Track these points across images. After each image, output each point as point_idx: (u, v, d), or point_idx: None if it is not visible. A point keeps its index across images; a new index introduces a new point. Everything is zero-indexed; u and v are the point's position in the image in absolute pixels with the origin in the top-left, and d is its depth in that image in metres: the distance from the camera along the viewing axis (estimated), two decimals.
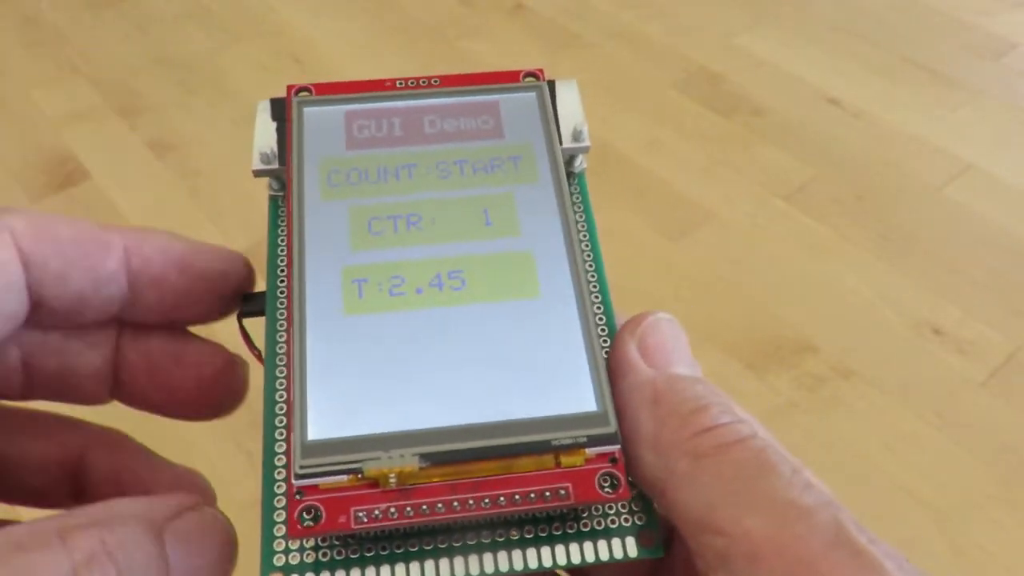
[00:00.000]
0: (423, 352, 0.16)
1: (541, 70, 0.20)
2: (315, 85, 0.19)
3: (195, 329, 0.18)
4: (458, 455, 0.15)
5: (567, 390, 0.15)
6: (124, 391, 0.18)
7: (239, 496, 0.36)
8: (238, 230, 0.50)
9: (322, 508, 0.14)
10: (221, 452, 0.37)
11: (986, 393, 0.42)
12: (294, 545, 0.15)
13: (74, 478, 0.18)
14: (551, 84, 0.20)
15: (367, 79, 0.19)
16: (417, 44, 0.66)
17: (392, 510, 0.14)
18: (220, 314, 0.18)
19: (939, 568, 0.36)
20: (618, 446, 0.15)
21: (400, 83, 0.19)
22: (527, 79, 0.20)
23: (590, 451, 0.15)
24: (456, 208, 0.17)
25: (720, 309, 0.46)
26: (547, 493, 0.15)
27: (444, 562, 0.15)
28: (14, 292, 0.15)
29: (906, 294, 0.47)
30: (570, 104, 0.19)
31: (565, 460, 0.15)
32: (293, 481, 0.14)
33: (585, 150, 0.19)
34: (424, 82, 0.19)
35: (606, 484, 0.15)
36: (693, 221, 0.51)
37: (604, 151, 0.55)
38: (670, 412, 0.14)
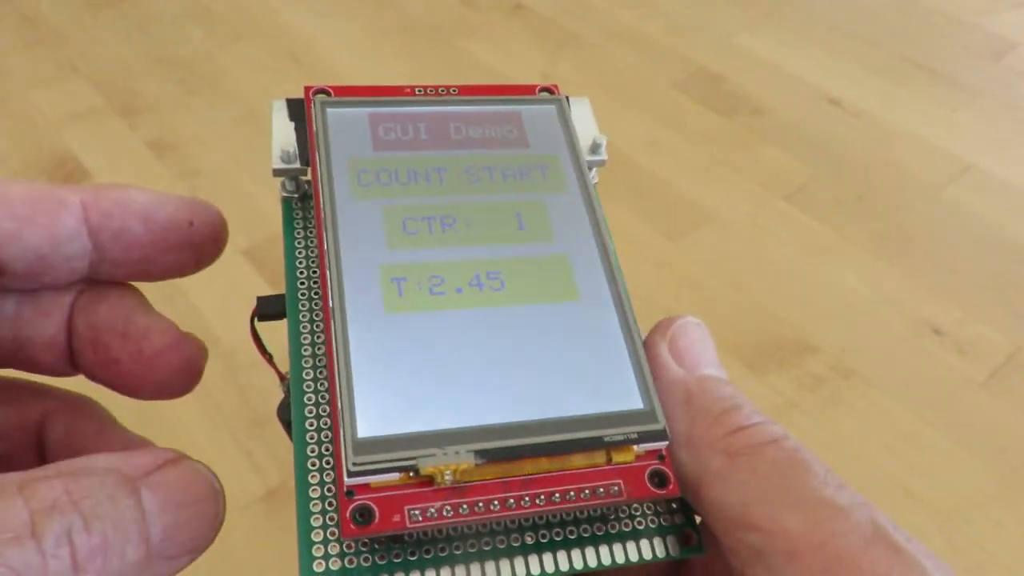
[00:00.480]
0: (469, 351, 0.16)
1: (556, 86, 0.20)
2: (333, 87, 0.19)
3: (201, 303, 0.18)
4: (514, 452, 0.15)
5: (614, 389, 0.16)
6: (78, 363, 0.18)
7: (240, 496, 0.36)
8: (238, 230, 0.49)
9: (375, 507, 0.14)
10: (220, 451, 0.37)
11: (986, 393, 0.42)
12: (333, 550, 0.15)
13: (37, 444, 0.18)
14: (564, 99, 0.20)
15: (383, 84, 0.19)
16: (417, 44, 0.66)
17: (447, 509, 0.14)
18: (195, 265, 0.17)
19: None
20: (667, 442, 0.15)
21: (419, 90, 0.19)
22: (542, 94, 0.20)
23: (639, 448, 0.15)
24: (489, 212, 0.18)
25: (720, 309, 0.46)
26: (600, 490, 0.15)
27: (491, 566, 0.15)
28: None
29: (906, 294, 0.47)
30: (585, 120, 0.20)
31: (616, 457, 0.15)
32: (345, 479, 0.14)
33: (602, 163, 0.19)
34: (443, 90, 0.19)
35: (656, 481, 0.15)
36: (693, 221, 0.51)
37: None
38: (702, 411, 0.15)
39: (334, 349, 0.15)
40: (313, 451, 0.16)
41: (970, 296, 0.46)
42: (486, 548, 0.15)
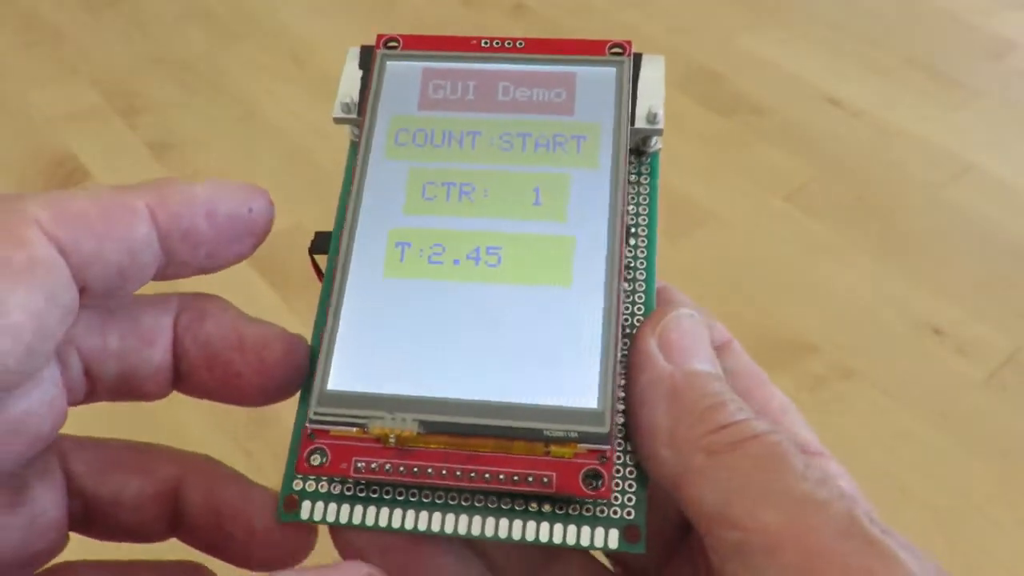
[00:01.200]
0: (446, 324, 0.16)
1: (629, 42, 0.19)
2: (404, 36, 0.20)
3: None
4: (454, 428, 0.16)
5: (574, 383, 0.16)
6: (185, 383, 0.18)
7: None
8: None
9: (328, 453, 0.16)
10: (220, 450, 0.37)
11: (986, 393, 0.42)
12: (312, 475, 0.17)
13: (171, 510, 0.18)
14: (637, 58, 0.19)
15: (454, 35, 0.19)
16: None
17: (388, 466, 0.16)
18: (251, 251, 0.17)
19: None
20: (609, 447, 0.15)
21: (485, 43, 0.19)
22: (613, 50, 0.19)
23: (581, 446, 0.15)
24: (510, 183, 0.17)
25: (720, 309, 0.46)
26: (530, 478, 0.15)
27: (437, 516, 0.16)
28: (64, 285, 0.14)
29: (906, 294, 0.47)
30: (652, 83, 0.19)
31: (555, 450, 0.15)
32: (307, 424, 0.16)
33: (658, 132, 0.19)
34: (509, 43, 0.19)
35: (590, 480, 0.15)
36: (693, 221, 0.51)
37: None
38: (687, 408, 0.14)
39: (329, 305, 0.17)
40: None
41: (970, 296, 0.46)
42: (438, 502, 0.16)
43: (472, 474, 0.15)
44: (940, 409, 0.41)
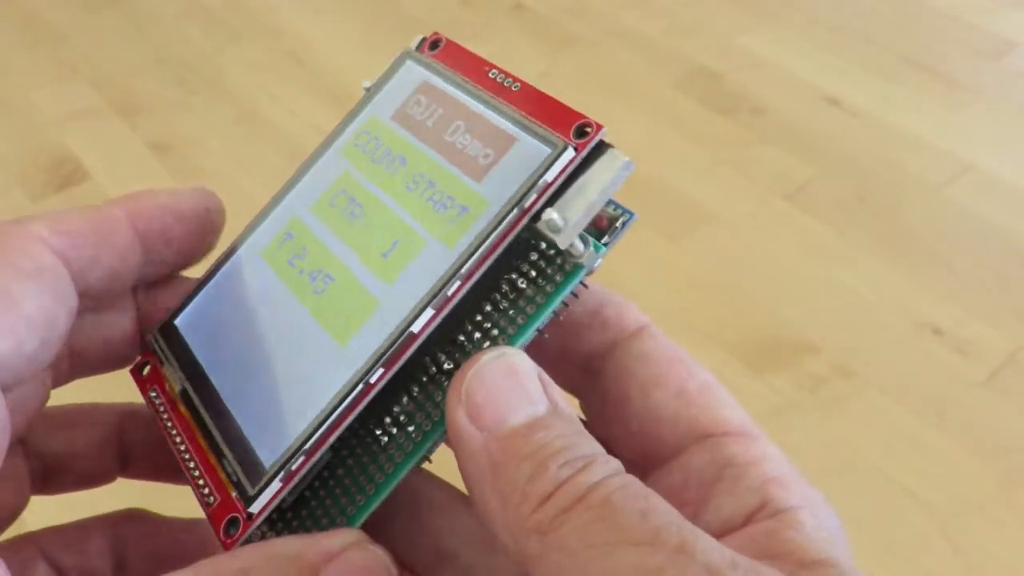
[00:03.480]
0: (257, 319, 0.17)
1: (600, 126, 0.16)
2: (448, 41, 0.20)
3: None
4: (193, 410, 0.17)
5: (276, 434, 0.16)
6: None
7: None
8: (238, 230, 0.49)
9: (149, 370, 0.19)
10: None
11: (986, 393, 0.42)
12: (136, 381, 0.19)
13: (118, 451, 0.20)
14: (599, 148, 0.16)
15: (481, 57, 0.19)
16: None
17: (163, 408, 0.18)
18: (214, 245, 0.20)
19: (939, 568, 0.36)
20: (252, 509, 0.15)
21: (492, 73, 0.19)
22: (579, 128, 0.16)
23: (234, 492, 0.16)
24: (384, 223, 0.17)
25: (720, 309, 0.46)
26: (205, 490, 0.16)
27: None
28: (67, 289, 0.16)
29: (906, 294, 0.47)
30: (593, 184, 0.16)
31: (225, 480, 0.16)
32: (148, 336, 0.19)
33: (556, 243, 0.15)
34: (507, 83, 0.18)
35: (229, 527, 0.15)
36: (693, 221, 0.51)
37: None
38: (509, 484, 0.13)
39: (219, 259, 0.19)
40: None
41: (970, 296, 0.46)
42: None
43: (186, 456, 0.17)
44: (940, 409, 0.41)
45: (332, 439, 0.15)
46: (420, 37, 0.20)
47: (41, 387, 0.17)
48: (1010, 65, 0.63)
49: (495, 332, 0.15)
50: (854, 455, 0.39)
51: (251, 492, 0.15)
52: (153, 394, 0.18)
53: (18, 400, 0.16)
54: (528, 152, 0.16)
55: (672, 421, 0.16)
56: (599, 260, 0.15)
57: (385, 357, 0.15)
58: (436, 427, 0.15)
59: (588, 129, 0.16)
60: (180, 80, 0.62)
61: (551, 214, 0.15)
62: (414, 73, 0.19)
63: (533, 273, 0.16)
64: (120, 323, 0.19)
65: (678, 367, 0.16)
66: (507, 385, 0.14)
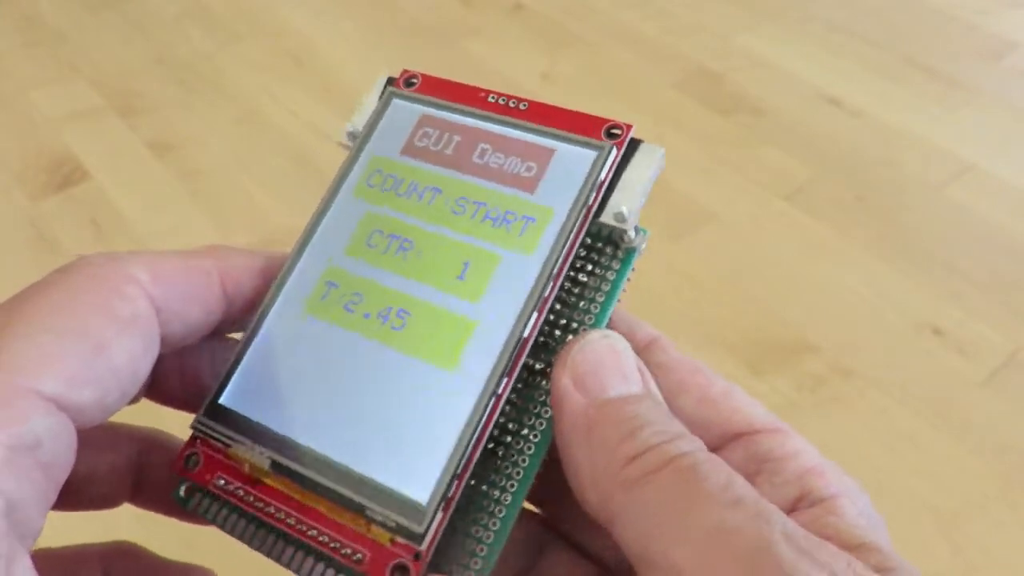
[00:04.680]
0: (333, 374, 0.17)
1: (630, 125, 0.18)
2: (424, 76, 0.20)
3: None
4: (295, 476, 0.16)
5: (415, 471, 0.15)
6: (156, 391, 0.19)
7: None
8: (238, 230, 0.50)
9: (201, 460, 0.17)
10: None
11: (986, 393, 0.42)
12: (183, 476, 0.17)
13: (135, 478, 0.19)
14: (633, 144, 0.18)
15: (468, 84, 0.19)
16: (417, 44, 0.66)
17: (241, 492, 0.16)
18: None
19: (939, 568, 0.36)
20: (422, 547, 0.15)
21: (492, 97, 0.19)
22: (611, 131, 0.18)
23: (396, 537, 0.15)
24: (444, 250, 0.17)
25: (720, 309, 0.46)
26: (346, 550, 0.15)
27: (289, 551, 0.16)
28: (155, 340, 0.16)
29: (906, 294, 0.47)
30: (638, 175, 0.17)
31: (374, 530, 0.15)
32: (191, 428, 0.17)
33: (624, 231, 0.17)
34: (513, 103, 0.19)
35: (397, 574, 0.15)
36: (693, 221, 0.51)
37: None
38: (602, 443, 0.14)
39: (252, 321, 0.17)
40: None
41: (970, 296, 0.46)
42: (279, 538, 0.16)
43: (301, 526, 0.16)
44: (940, 409, 0.41)
45: (476, 456, 0.15)
46: (386, 76, 0.20)
47: None
48: (1010, 65, 0.63)
49: (575, 325, 0.17)
50: (854, 455, 0.39)
51: (420, 530, 0.15)
52: (221, 482, 0.16)
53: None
54: (572, 158, 0.17)
55: (702, 424, 0.16)
56: (646, 242, 0.17)
57: (506, 367, 0.16)
58: (549, 425, 0.16)
59: (617, 130, 0.18)
60: (180, 80, 0.62)
61: (620, 207, 0.17)
62: (407, 109, 0.19)
63: (590, 267, 0.17)
64: (170, 378, 0.18)
65: (697, 375, 0.17)
66: (610, 361, 0.15)
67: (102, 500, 0.19)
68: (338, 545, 0.15)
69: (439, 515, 0.15)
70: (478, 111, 0.19)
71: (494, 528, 0.16)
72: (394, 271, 0.17)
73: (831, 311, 0.46)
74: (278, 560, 0.16)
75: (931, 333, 0.45)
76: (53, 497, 0.14)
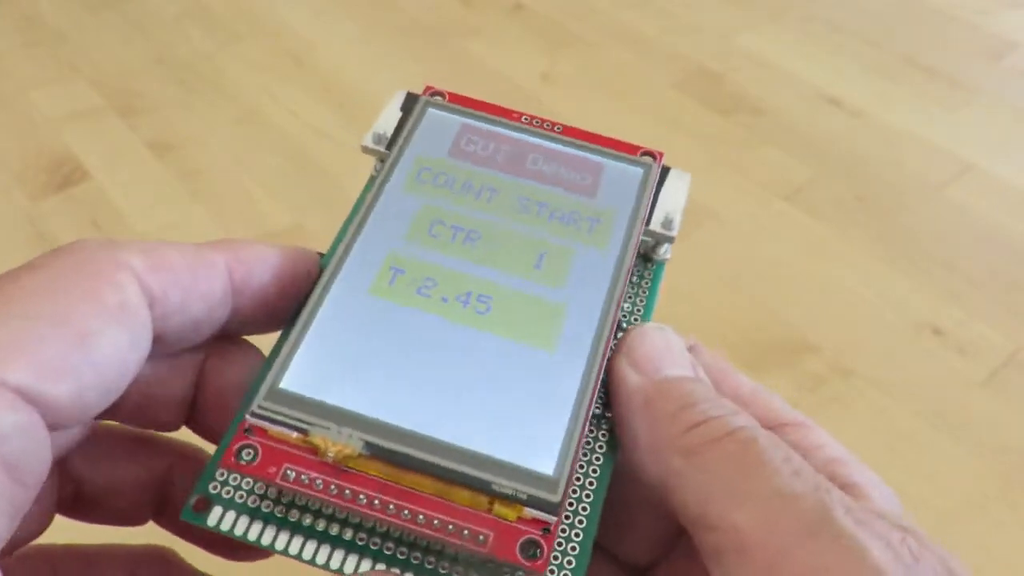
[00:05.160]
0: (420, 355, 0.16)
1: (661, 153, 0.20)
2: (450, 94, 0.20)
3: None
4: (400, 458, 0.15)
5: (535, 445, 0.15)
6: (194, 420, 0.17)
7: None
8: (238, 230, 0.50)
9: (259, 452, 0.15)
10: None
11: (986, 393, 0.42)
12: (233, 481, 0.15)
13: (160, 497, 0.18)
14: (665, 170, 0.20)
15: (500, 105, 0.20)
16: (417, 44, 0.66)
17: (320, 482, 0.14)
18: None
19: None
20: (556, 519, 0.14)
21: (526, 119, 0.20)
22: (644, 156, 0.20)
23: (528, 511, 0.14)
24: (516, 241, 0.17)
25: (720, 309, 0.46)
26: (466, 531, 0.14)
27: (352, 558, 0.15)
28: (145, 334, 0.15)
29: (906, 294, 0.47)
30: (675, 193, 0.19)
31: (498, 508, 0.14)
32: (247, 417, 0.15)
33: (671, 240, 0.19)
34: (548, 125, 0.20)
35: (528, 550, 0.14)
36: (693, 221, 0.51)
37: None
38: (660, 413, 0.14)
39: (305, 307, 0.16)
40: None
41: (970, 296, 0.46)
42: (359, 542, 0.15)
43: (405, 512, 0.14)
44: (940, 409, 0.41)
45: (586, 430, 0.16)
46: (405, 92, 0.20)
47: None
48: (1010, 65, 0.63)
49: (624, 324, 0.18)
50: (854, 455, 0.39)
51: (555, 499, 0.14)
52: (292, 474, 0.14)
53: (61, 434, 0.15)
54: (621, 173, 0.19)
55: None
56: (670, 254, 0.19)
57: (603, 346, 0.16)
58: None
59: (650, 156, 0.20)
60: (180, 80, 0.62)
61: (674, 215, 0.19)
62: (445, 119, 0.19)
63: (634, 277, 0.19)
64: (170, 384, 0.17)
65: (728, 377, 0.17)
66: (664, 348, 0.16)
67: (124, 516, 0.18)
68: (454, 527, 0.14)
69: (566, 488, 0.15)
70: (517, 126, 0.19)
71: (588, 500, 0.16)
72: (464, 258, 0.17)
73: (831, 311, 0.46)
74: (339, 569, 0.15)
75: (931, 333, 0.45)
76: (23, 502, 0.13)
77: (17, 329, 0.13)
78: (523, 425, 0.15)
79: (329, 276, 0.17)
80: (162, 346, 0.16)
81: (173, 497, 0.18)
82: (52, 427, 0.13)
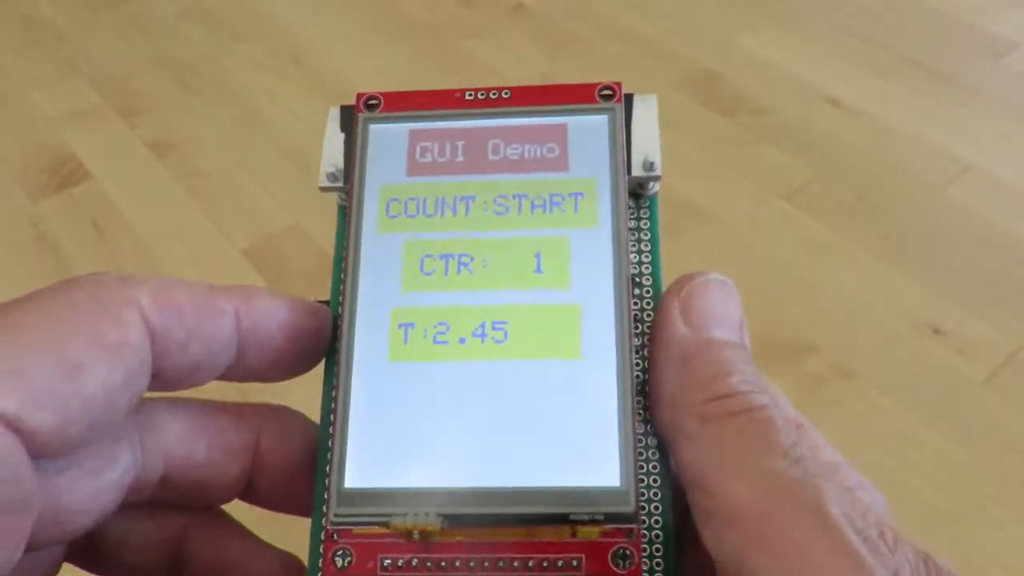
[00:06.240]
0: (458, 407, 0.16)
1: (619, 84, 0.18)
2: (384, 94, 0.19)
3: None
4: (476, 519, 0.15)
5: (594, 461, 0.15)
6: (259, 496, 0.18)
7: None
8: (238, 230, 0.50)
9: (353, 552, 0.15)
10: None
11: (986, 393, 0.42)
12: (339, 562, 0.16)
13: (173, 557, 0.18)
14: (628, 99, 0.18)
15: (436, 89, 0.18)
16: (417, 44, 0.66)
17: (415, 561, 0.15)
18: (310, 366, 0.17)
19: None
20: (636, 524, 0.15)
21: (469, 95, 0.18)
22: (603, 93, 0.18)
23: (609, 526, 0.15)
24: (509, 251, 0.17)
25: None
26: (560, 563, 0.15)
27: None
28: (143, 371, 0.15)
29: (906, 294, 0.47)
30: (646, 125, 0.18)
31: (581, 532, 0.15)
32: (328, 525, 0.15)
33: (656, 179, 0.18)
34: (495, 95, 0.18)
35: (620, 560, 0.15)
36: (693, 221, 0.51)
37: None
38: (693, 374, 0.15)
39: (337, 394, 0.16)
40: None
41: (970, 296, 0.46)
42: None
43: (500, 563, 0.15)
44: (940, 409, 0.41)
45: (636, 428, 0.16)
46: (337, 107, 0.19)
47: (102, 495, 0.15)
48: (1010, 65, 0.63)
49: (637, 279, 0.18)
50: (854, 455, 0.39)
51: (631, 510, 0.15)
52: (388, 563, 0.15)
53: (60, 499, 0.14)
54: (586, 128, 0.18)
55: None
56: (658, 185, 0.18)
57: (628, 337, 0.16)
58: None
59: (609, 91, 0.18)
60: (180, 80, 0.62)
61: (653, 157, 0.18)
62: (388, 131, 0.18)
63: (631, 223, 0.18)
64: (226, 468, 0.17)
65: None
66: (720, 305, 0.16)
67: (133, 572, 0.17)
68: (548, 563, 0.15)
69: (636, 491, 0.15)
70: (464, 111, 0.18)
71: (656, 498, 0.16)
72: (466, 288, 0.16)
73: (831, 311, 0.46)
74: None
75: (931, 333, 0.45)
76: (9, 534, 0.13)
77: (11, 357, 0.13)
78: (578, 444, 0.15)
79: (345, 352, 0.16)
80: (161, 385, 0.16)
81: (190, 560, 0.18)
82: (34, 454, 0.13)
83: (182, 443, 0.16)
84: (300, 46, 0.65)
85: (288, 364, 0.17)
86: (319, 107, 0.59)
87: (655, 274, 0.18)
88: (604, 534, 0.15)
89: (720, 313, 0.16)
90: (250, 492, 0.17)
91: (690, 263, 0.48)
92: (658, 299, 0.17)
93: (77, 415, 0.13)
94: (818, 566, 0.12)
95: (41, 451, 0.13)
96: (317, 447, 0.17)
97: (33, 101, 0.60)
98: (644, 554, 0.15)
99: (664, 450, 0.16)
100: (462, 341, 0.16)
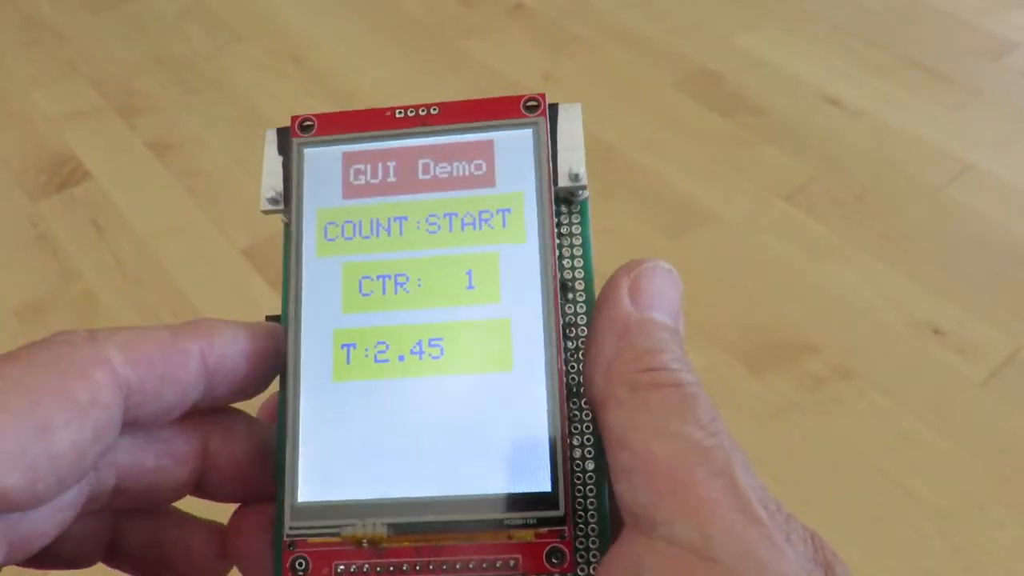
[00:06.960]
0: (399, 422, 0.17)
1: (543, 95, 0.19)
2: (319, 116, 0.19)
3: None
4: (420, 527, 0.16)
5: (525, 468, 0.16)
6: (209, 491, 0.18)
7: None
8: (238, 230, 0.50)
9: (309, 560, 0.17)
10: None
11: (986, 393, 0.42)
12: None
13: (110, 541, 0.18)
14: (553, 109, 0.19)
15: (368, 108, 0.19)
16: (417, 44, 0.66)
17: (367, 566, 0.17)
18: (269, 384, 0.18)
19: (939, 568, 0.36)
20: (566, 526, 0.16)
21: (400, 112, 0.19)
22: (528, 105, 0.19)
23: (543, 528, 0.16)
24: (442, 269, 0.18)
25: (720, 309, 0.46)
26: (498, 563, 0.16)
27: None
28: (113, 427, 0.15)
29: (906, 294, 0.47)
30: (571, 136, 0.19)
31: (516, 535, 0.16)
32: (285, 536, 0.17)
33: (583, 187, 0.18)
34: (424, 111, 0.19)
35: (553, 560, 0.16)
36: (693, 221, 0.51)
37: (605, 151, 0.55)
38: (631, 346, 0.16)
39: (287, 415, 0.17)
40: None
41: (970, 296, 0.46)
42: None
43: (444, 566, 0.16)
44: (940, 409, 0.41)
45: (568, 431, 0.17)
46: (274, 129, 0.20)
47: (63, 515, 0.16)
48: (1010, 65, 0.63)
49: (570, 284, 0.18)
50: (854, 455, 0.39)
51: (560, 513, 0.16)
52: (341, 568, 0.17)
53: (25, 532, 0.15)
54: (512, 142, 0.18)
55: None
56: (588, 192, 0.19)
57: (556, 348, 0.17)
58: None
59: (533, 102, 0.18)
60: (180, 80, 0.62)
61: (578, 168, 0.18)
62: (323, 154, 0.19)
63: (561, 229, 0.19)
64: (173, 472, 0.17)
65: None
66: (665, 291, 0.17)
67: (71, 561, 0.18)
68: (487, 563, 0.16)
69: (570, 493, 0.16)
70: (395, 131, 0.19)
71: (592, 494, 0.17)
72: (403, 308, 0.17)
73: (831, 311, 0.46)
74: None
75: (931, 333, 0.45)
76: None
77: None
78: (512, 453, 0.16)
79: (292, 373, 0.17)
80: (136, 429, 0.17)
81: (126, 540, 0.18)
82: (3, 510, 0.14)
83: (131, 455, 0.17)
84: (300, 46, 0.65)
85: (253, 386, 0.18)
86: (319, 107, 0.59)
87: (587, 279, 0.18)
88: (539, 536, 0.16)
89: (664, 299, 0.17)
90: (201, 490, 0.18)
91: (690, 263, 0.48)
92: (591, 303, 0.18)
93: (45, 474, 0.14)
94: (723, 520, 0.13)
95: (11, 508, 0.14)
96: (261, 444, 0.18)
97: (33, 101, 0.60)
98: (581, 547, 0.16)
99: (600, 438, 0.17)
100: (401, 359, 0.17)
